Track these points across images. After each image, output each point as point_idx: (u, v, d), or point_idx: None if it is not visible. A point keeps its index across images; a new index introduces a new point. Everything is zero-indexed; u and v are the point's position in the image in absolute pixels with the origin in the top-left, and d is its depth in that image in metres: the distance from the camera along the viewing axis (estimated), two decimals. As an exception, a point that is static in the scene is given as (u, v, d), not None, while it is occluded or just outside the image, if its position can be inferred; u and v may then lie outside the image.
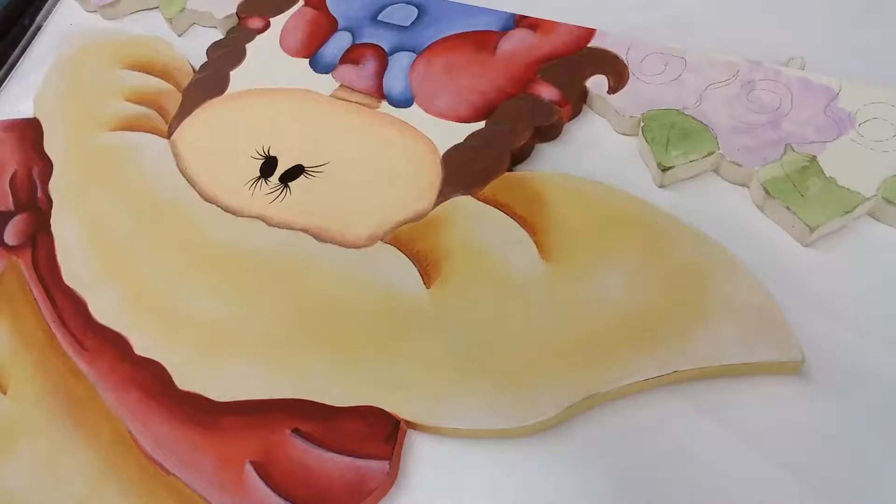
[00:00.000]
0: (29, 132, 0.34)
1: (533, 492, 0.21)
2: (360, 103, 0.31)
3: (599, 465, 0.22)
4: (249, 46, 0.35)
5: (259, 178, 0.30)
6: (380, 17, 0.35)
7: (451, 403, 0.23)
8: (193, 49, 0.36)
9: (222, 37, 0.37)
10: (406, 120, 0.30)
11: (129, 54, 0.36)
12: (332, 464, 0.22)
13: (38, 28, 0.41)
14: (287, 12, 0.36)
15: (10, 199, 0.32)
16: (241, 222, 0.29)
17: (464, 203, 0.27)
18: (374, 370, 0.24)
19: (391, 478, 0.22)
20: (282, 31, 0.35)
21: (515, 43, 0.31)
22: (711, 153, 0.26)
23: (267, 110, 0.32)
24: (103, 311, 0.27)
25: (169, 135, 0.33)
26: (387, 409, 0.23)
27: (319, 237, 0.27)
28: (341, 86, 0.32)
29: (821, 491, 0.20)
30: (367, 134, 0.30)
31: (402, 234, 0.27)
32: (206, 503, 0.22)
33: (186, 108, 0.33)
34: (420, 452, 0.23)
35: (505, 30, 0.32)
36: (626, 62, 0.29)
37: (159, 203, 0.30)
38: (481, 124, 0.29)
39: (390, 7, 0.35)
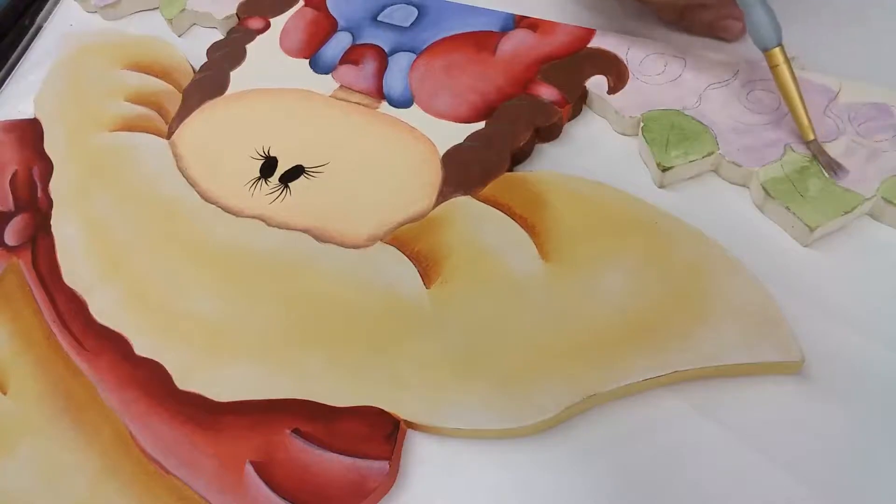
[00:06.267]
0: (29, 132, 0.34)
1: (533, 492, 0.21)
2: (359, 104, 0.31)
3: (599, 465, 0.22)
4: (249, 47, 0.35)
5: (259, 178, 0.30)
6: (380, 18, 0.35)
7: (451, 403, 0.23)
8: (193, 49, 0.36)
9: (222, 37, 0.37)
10: (406, 120, 0.30)
11: (129, 54, 0.36)
12: (332, 464, 0.22)
13: (39, 28, 0.41)
14: (287, 13, 0.36)
15: (10, 199, 0.32)
16: (242, 223, 0.29)
17: (464, 203, 0.27)
18: (374, 370, 0.24)
19: (391, 478, 0.22)
20: (282, 31, 0.35)
21: (515, 43, 0.31)
22: (711, 153, 0.26)
23: (267, 110, 0.32)
24: (103, 312, 0.27)
25: (169, 135, 0.33)
26: (387, 409, 0.23)
27: (319, 237, 0.27)
28: (341, 86, 0.32)
29: (821, 491, 0.20)
30: (367, 134, 0.30)
31: (402, 234, 0.27)
32: (205, 503, 0.22)
33: (186, 109, 0.33)
34: (420, 452, 0.23)
35: (505, 30, 0.32)
36: (626, 62, 0.29)
37: (160, 203, 0.30)
38: (481, 124, 0.29)
39: (390, 7, 0.35)
